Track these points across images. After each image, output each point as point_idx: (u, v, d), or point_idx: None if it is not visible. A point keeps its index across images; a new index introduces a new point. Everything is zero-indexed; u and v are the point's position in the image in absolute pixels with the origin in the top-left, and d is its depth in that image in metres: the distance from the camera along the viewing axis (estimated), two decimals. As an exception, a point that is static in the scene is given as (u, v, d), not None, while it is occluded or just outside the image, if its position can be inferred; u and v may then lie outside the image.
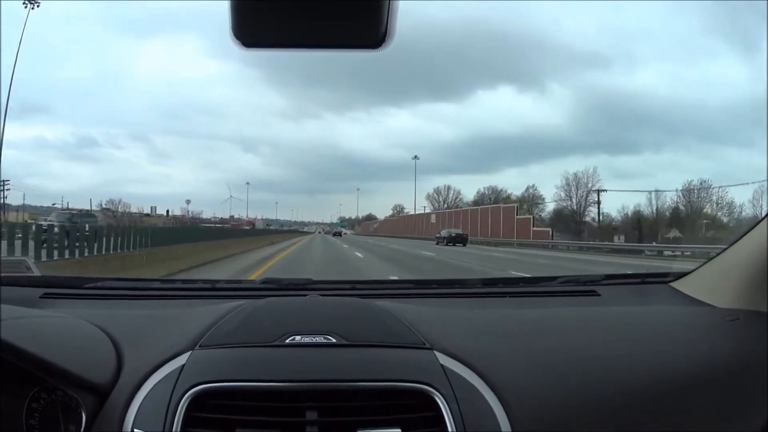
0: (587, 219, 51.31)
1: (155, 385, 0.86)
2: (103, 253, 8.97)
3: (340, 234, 65.75)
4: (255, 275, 10.30)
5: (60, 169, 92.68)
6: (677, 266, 1.51)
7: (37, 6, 33.18)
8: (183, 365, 0.89)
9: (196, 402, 0.83)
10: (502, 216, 45.94)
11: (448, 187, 78.39)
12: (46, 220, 21.16)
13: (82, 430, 0.83)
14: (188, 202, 77.06)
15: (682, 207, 47.61)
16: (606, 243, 34.31)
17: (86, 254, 8.33)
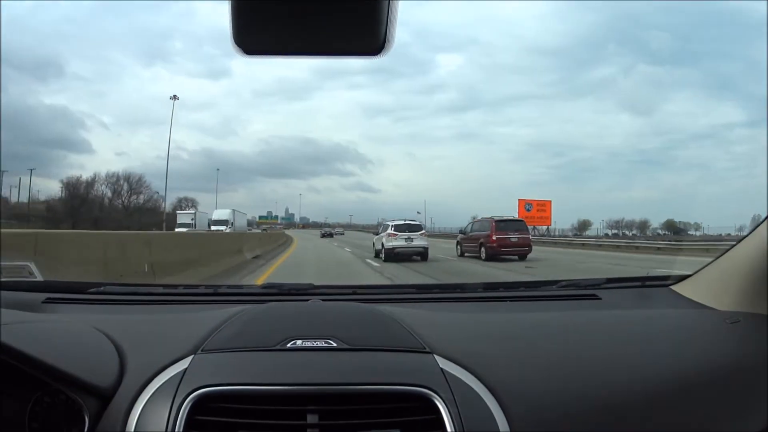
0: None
1: (157, 388, 0.86)
2: None
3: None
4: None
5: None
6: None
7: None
8: (185, 369, 0.89)
9: (198, 405, 0.83)
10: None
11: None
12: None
13: None
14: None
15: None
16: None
17: None
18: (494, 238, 14.83)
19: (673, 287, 1.40)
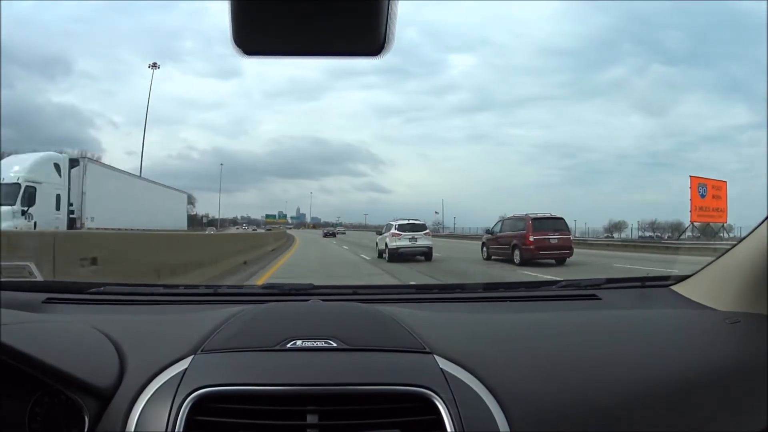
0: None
1: (157, 389, 0.87)
2: None
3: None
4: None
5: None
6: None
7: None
8: (185, 369, 0.89)
9: (198, 406, 0.83)
10: None
11: None
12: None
13: None
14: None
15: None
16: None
17: None
18: (531, 239, 12.82)
19: (673, 287, 1.39)
